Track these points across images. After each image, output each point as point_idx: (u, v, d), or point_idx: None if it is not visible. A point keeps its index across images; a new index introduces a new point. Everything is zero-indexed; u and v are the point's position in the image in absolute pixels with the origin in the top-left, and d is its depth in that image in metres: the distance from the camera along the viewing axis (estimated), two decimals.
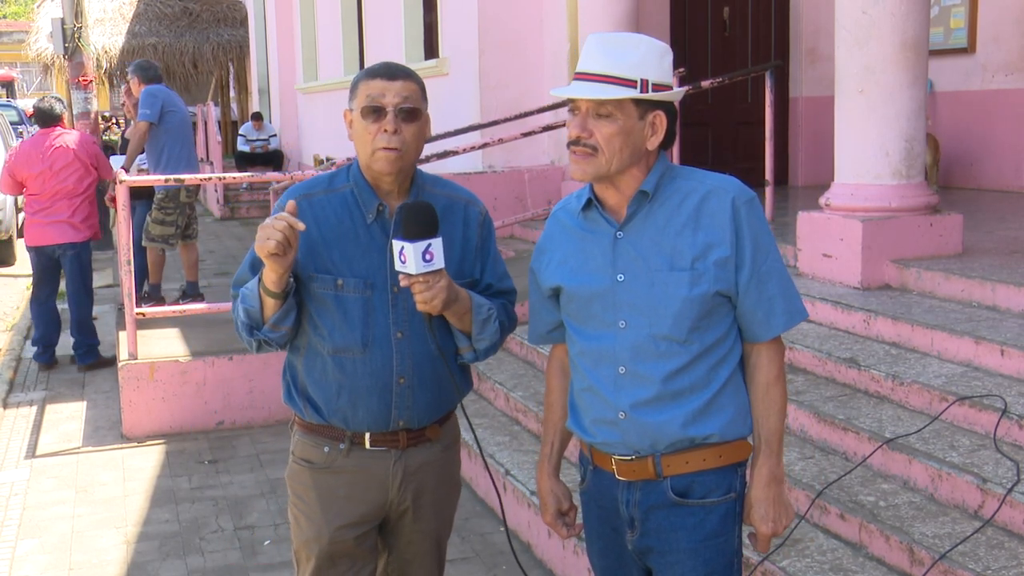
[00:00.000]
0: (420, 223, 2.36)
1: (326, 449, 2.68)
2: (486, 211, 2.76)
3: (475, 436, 2.69)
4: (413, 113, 2.52)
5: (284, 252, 2.37)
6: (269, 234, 2.36)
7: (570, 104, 2.31)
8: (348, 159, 2.70)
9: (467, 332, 2.60)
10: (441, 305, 2.43)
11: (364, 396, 2.59)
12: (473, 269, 2.68)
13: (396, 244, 2.38)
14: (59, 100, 8.40)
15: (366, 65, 14.51)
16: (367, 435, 2.65)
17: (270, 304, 2.51)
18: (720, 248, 2.27)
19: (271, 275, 2.45)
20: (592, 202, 2.37)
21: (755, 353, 2.37)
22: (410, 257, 2.35)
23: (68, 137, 7.89)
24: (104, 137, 15.26)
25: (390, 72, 2.53)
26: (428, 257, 2.36)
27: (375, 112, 2.50)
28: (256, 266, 2.61)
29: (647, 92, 2.24)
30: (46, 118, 7.97)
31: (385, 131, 2.49)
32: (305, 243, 2.55)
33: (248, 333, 2.58)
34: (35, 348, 8.09)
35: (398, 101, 2.50)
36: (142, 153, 8.14)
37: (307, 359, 2.64)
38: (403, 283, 2.41)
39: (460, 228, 2.66)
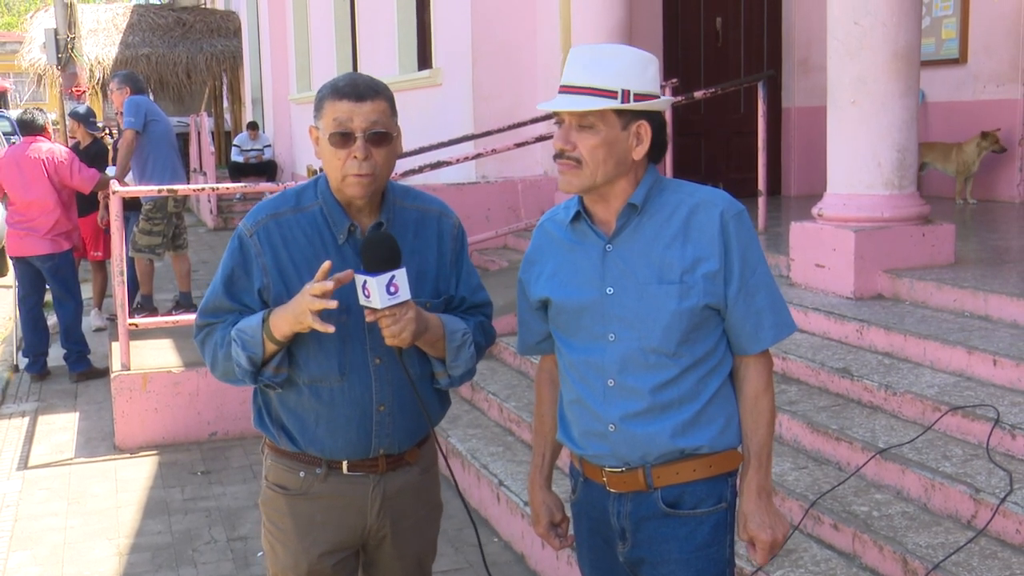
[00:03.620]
0: (381, 256, 2.28)
1: (302, 474, 2.58)
2: (459, 222, 2.67)
3: (440, 447, 2.65)
4: (383, 137, 2.41)
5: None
6: (311, 304, 2.29)
7: (555, 117, 2.31)
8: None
9: (441, 358, 2.52)
10: (411, 338, 2.35)
11: (343, 426, 2.51)
12: (448, 284, 2.61)
13: (359, 278, 2.30)
14: (43, 112, 8.44)
15: None
16: (344, 461, 2.57)
17: (272, 350, 2.43)
18: (709, 261, 2.27)
19: (290, 329, 2.37)
20: (581, 214, 2.37)
21: (743, 366, 2.37)
22: (374, 291, 2.27)
23: (42, 149, 7.84)
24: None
25: (357, 93, 2.40)
26: (393, 290, 2.28)
27: (343, 137, 2.39)
28: (232, 291, 2.51)
29: (628, 102, 2.23)
30: (26, 127, 8.03)
31: (355, 157, 2.39)
32: (275, 267, 2.47)
33: (251, 380, 2.47)
34: (26, 359, 8.07)
35: (367, 126, 2.38)
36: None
37: (281, 389, 2.53)
38: (369, 319, 2.33)
39: (435, 243, 2.58)
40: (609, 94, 2.22)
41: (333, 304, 2.28)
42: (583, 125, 2.25)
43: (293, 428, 2.55)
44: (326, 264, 2.32)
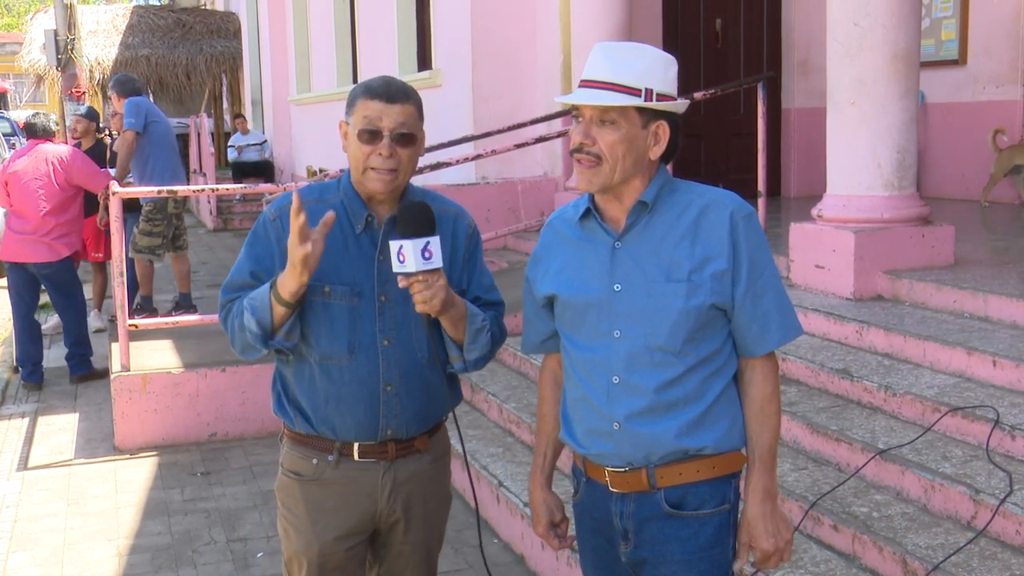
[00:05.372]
0: (418, 221, 2.37)
1: (315, 461, 2.68)
2: (475, 224, 2.76)
3: (461, 440, 2.69)
4: (409, 138, 2.53)
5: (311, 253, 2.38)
6: (293, 253, 2.37)
7: (574, 111, 2.31)
8: (341, 170, 2.69)
9: (459, 341, 2.58)
10: (440, 305, 2.41)
11: (351, 404, 2.60)
12: (460, 281, 2.68)
13: (394, 244, 2.37)
14: (48, 116, 8.42)
15: (359, 78, 14.37)
16: (355, 446, 2.65)
17: (282, 313, 2.49)
18: (717, 261, 2.27)
19: (292, 285, 2.43)
20: (591, 212, 2.37)
21: (749, 368, 2.37)
22: (409, 255, 2.34)
23: (48, 152, 7.77)
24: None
25: (389, 95, 2.52)
26: (427, 255, 2.35)
27: (371, 134, 2.50)
28: (253, 269, 2.60)
29: (651, 101, 2.24)
30: (32, 131, 7.97)
31: (379, 154, 2.50)
32: None
33: (262, 344, 2.53)
34: (22, 369, 7.84)
35: (394, 126, 2.50)
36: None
37: (296, 367, 2.65)
38: (402, 284, 2.39)
39: (448, 240, 2.65)
40: (633, 91, 2.23)
41: (309, 248, 2.36)
42: (604, 120, 2.25)
43: (307, 407, 2.65)
44: (330, 214, 2.42)
